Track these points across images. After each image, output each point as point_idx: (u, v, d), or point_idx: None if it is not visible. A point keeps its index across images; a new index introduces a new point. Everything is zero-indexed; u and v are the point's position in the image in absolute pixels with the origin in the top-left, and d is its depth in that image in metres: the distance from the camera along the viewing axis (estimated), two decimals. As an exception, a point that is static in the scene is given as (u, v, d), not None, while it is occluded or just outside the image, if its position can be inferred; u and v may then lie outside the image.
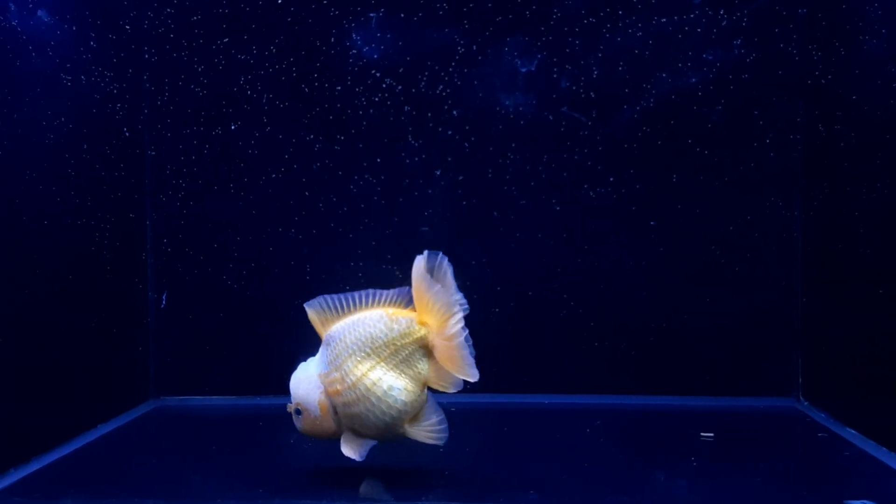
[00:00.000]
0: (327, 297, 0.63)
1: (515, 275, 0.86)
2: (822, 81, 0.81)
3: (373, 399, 0.60)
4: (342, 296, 0.63)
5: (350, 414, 0.61)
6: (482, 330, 0.85)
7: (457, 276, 0.85)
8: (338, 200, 0.86)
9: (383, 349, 0.61)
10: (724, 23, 0.83)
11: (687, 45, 0.84)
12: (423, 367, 0.61)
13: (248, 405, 0.86)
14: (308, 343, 0.65)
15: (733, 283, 0.85)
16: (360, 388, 0.60)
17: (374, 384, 0.60)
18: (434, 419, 0.62)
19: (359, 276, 0.85)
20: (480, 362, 0.85)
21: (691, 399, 0.85)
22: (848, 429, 0.73)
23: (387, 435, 0.62)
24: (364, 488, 0.62)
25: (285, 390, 0.68)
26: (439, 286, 0.60)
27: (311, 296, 0.72)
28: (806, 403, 0.83)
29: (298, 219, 0.86)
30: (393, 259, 0.86)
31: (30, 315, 0.68)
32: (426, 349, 0.62)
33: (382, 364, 0.61)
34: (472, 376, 0.60)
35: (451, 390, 0.62)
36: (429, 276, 0.61)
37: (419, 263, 0.61)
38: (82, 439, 0.73)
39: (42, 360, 0.69)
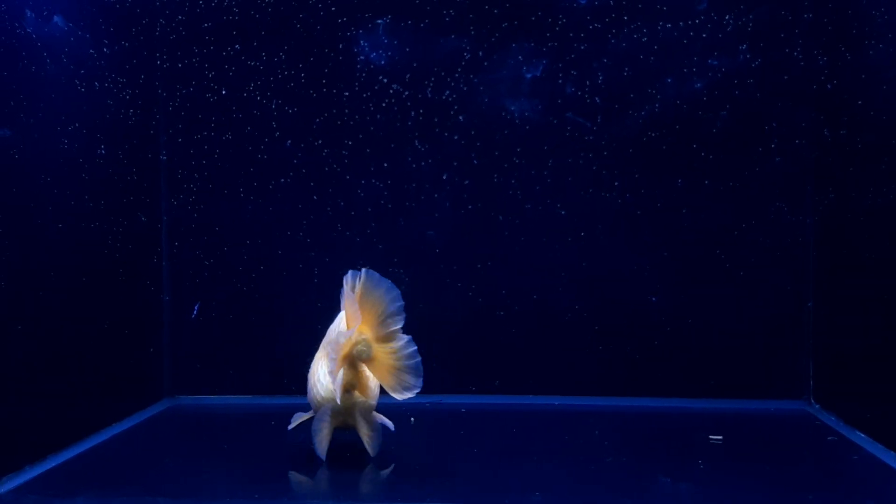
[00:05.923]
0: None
1: (521, 278, 0.86)
2: (828, 86, 0.80)
3: (317, 375, 0.67)
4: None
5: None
6: (488, 332, 0.87)
7: (463, 278, 0.87)
8: (346, 204, 0.87)
9: (331, 343, 0.65)
10: (730, 28, 0.83)
11: (692, 51, 0.84)
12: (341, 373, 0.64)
13: (261, 405, 0.87)
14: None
15: (742, 287, 0.85)
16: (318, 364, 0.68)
17: (320, 367, 0.67)
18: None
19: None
20: (486, 363, 0.87)
21: (701, 402, 0.85)
22: (858, 432, 0.73)
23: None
24: (370, 487, 0.63)
25: (298, 390, 0.70)
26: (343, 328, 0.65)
27: (319, 297, 0.73)
28: (817, 406, 0.83)
29: (307, 222, 0.88)
30: (400, 262, 0.87)
31: (45, 316, 0.69)
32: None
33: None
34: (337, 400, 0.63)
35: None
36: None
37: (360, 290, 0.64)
38: (97, 437, 0.75)
39: (58, 360, 0.70)
